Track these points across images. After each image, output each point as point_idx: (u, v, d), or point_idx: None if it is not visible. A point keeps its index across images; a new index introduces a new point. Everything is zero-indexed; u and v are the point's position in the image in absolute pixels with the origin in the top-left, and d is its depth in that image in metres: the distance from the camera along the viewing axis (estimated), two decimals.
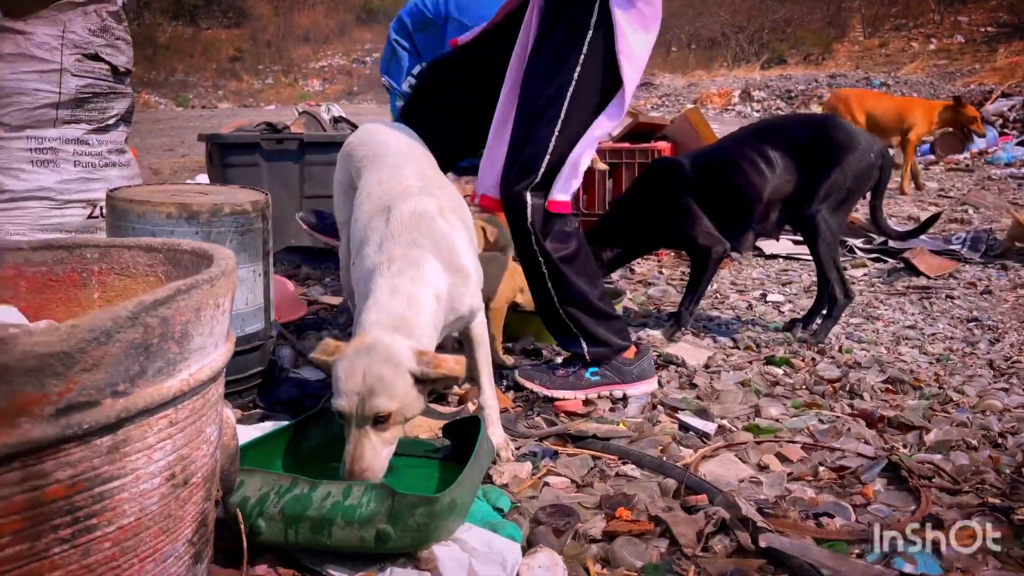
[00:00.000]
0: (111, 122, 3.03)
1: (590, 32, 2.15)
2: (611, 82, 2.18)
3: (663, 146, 4.20)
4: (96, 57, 2.93)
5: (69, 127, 2.93)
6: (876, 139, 3.01)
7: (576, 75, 2.15)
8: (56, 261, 1.29)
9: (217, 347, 1.03)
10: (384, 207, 1.87)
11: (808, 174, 2.89)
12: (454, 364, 1.59)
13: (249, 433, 1.78)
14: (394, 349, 1.56)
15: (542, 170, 2.18)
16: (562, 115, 2.16)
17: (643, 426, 2.12)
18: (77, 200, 3.00)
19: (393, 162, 2.04)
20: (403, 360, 1.55)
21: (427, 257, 1.75)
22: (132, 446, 0.88)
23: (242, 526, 1.37)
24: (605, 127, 2.21)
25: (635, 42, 2.15)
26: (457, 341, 2.35)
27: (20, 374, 0.77)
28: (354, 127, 5.23)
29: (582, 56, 2.15)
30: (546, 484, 1.81)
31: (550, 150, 2.18)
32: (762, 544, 1.50)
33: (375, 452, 1.53)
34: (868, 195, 3.08)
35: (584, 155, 2.21)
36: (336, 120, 5.03)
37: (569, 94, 2.16)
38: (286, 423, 1.79)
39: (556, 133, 2.17)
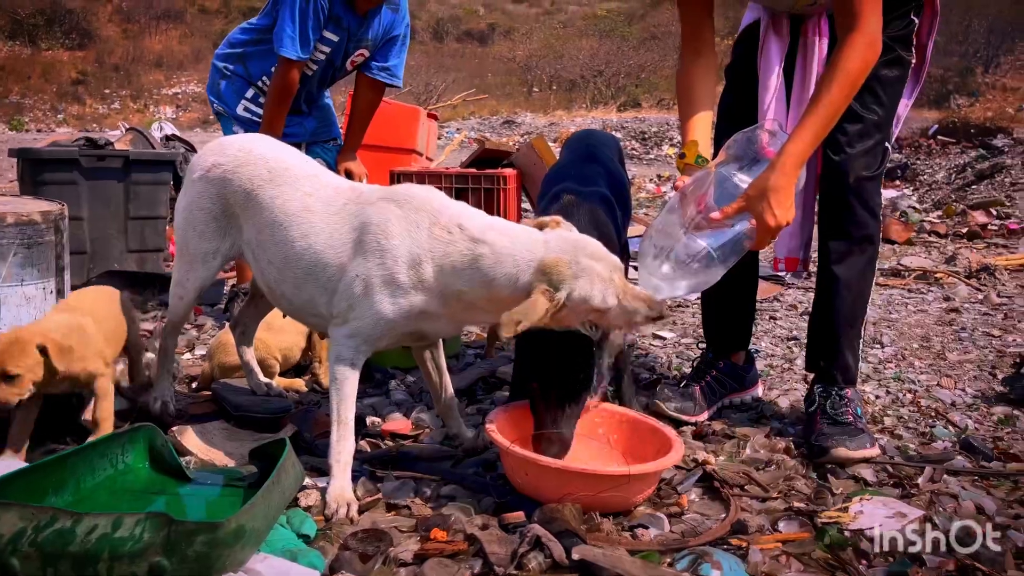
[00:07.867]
0: None
1: None
2: None
3: (509, 172, 4.23)
4: None
5: None
6: None
7: None
8: None
9: None
10: (357, 208, 1.80)
11: None
12: None
13: (14, 464, 1.58)
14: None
15: None
16: None
17: (473, 445, 2.06)
18: None
19: (308, 172, 1.95)
20: None
21: None
22: None
23: None
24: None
25: None
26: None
27: None
28: (188, 145, 4.95)
29: None
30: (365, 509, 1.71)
31: None
32: (575, 557, 1.47)
33: None
34: None
35: None
36: (168, 138, 4.74)
37: None
38: (62, 452, 1.60)
39: None
